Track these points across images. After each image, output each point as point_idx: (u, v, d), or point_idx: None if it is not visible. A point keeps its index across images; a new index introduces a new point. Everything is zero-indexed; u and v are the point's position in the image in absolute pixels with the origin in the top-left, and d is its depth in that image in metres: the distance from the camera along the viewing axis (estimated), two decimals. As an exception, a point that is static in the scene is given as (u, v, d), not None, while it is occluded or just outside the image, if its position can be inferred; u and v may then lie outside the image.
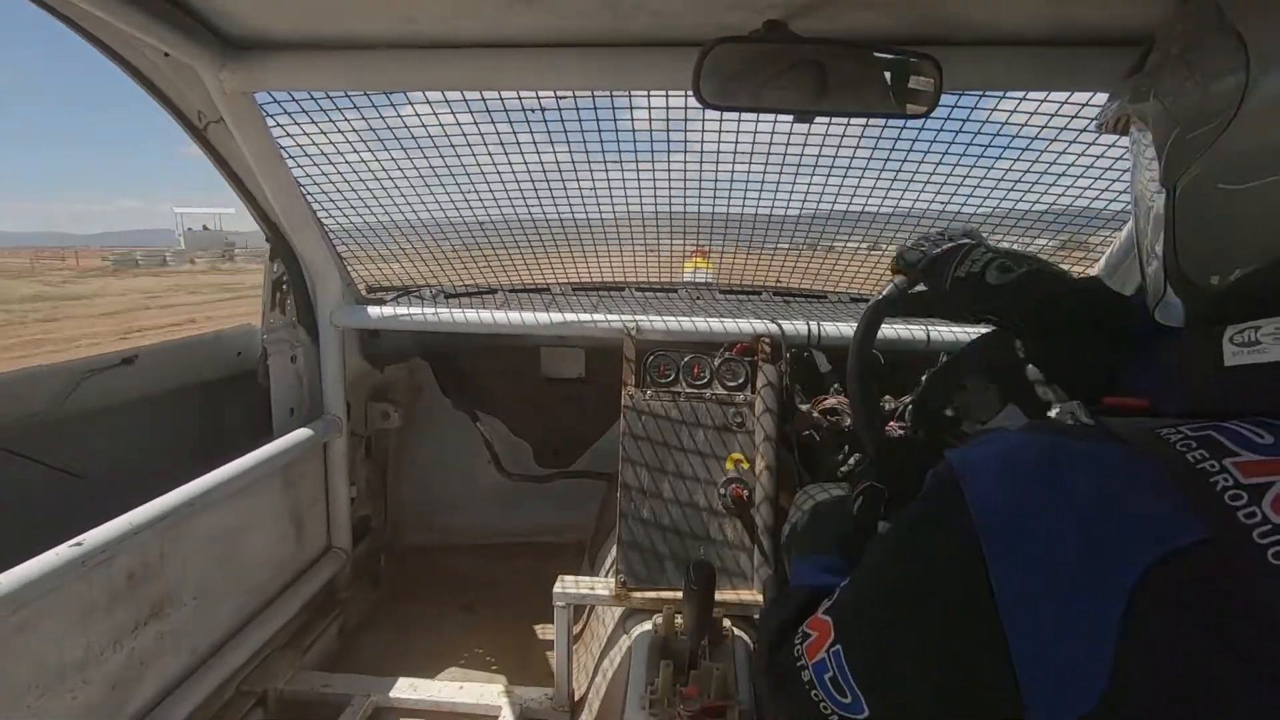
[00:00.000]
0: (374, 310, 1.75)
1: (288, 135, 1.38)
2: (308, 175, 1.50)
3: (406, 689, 1.57)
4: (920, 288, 0.97)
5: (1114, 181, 1.37)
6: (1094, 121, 0.77)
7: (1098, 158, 1.33)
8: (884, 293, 1.01)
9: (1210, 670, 0.30)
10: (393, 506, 2.30)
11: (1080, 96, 1.16)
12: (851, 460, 1.34)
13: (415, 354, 2.14)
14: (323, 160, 1.47)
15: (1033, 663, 0.34)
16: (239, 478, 1.39)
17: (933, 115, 1.03)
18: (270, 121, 1.34)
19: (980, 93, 1.19)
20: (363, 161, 1.49)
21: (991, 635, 0.35)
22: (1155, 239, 0.47)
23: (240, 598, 1.49)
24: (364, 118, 1.36)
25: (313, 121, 1.37)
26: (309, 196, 1.55)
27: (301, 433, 1.65)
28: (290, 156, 1.43)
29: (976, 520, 0.37)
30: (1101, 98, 1.16)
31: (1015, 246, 1.59)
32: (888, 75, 0.99)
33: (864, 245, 1.85)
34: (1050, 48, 1.04)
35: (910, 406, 1.20)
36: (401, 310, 1.75)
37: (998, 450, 0.40)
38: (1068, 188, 1.43)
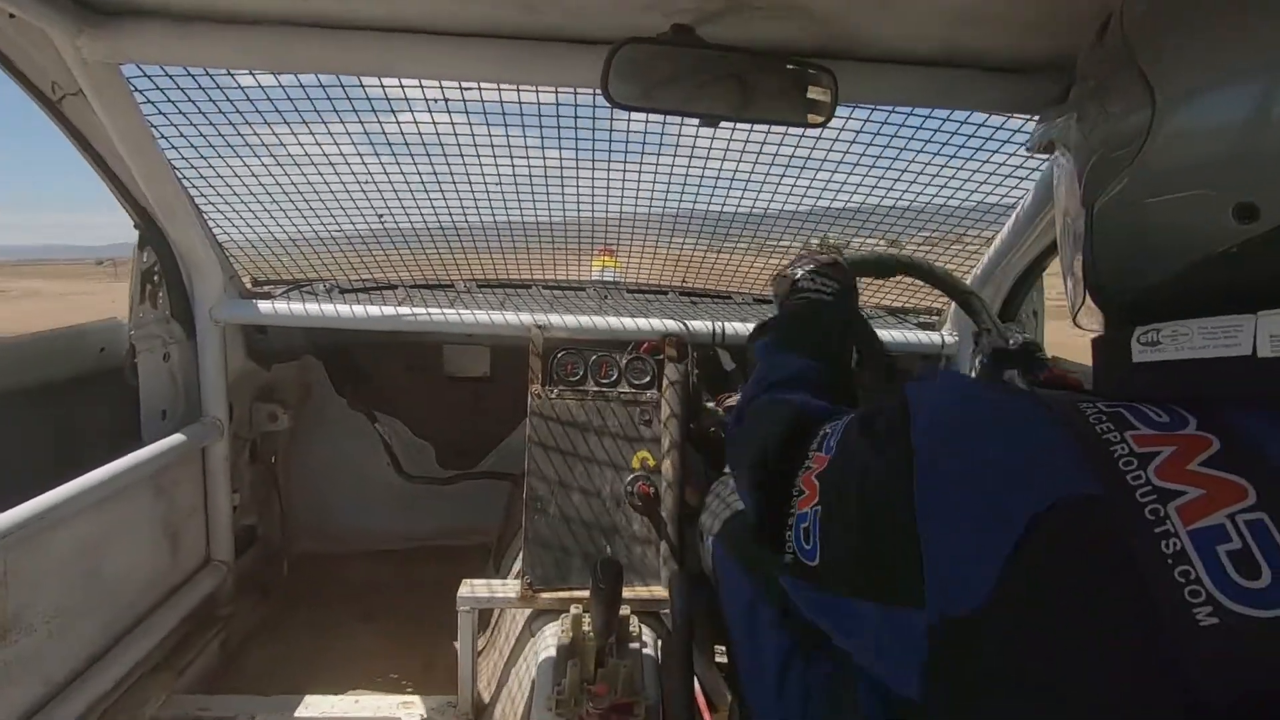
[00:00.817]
0: (261, 305, 1.63)
1: (158, 110, 1.27)
2: (184, 158, 1.38)
3: (296, 706, 1.48)
4: None
5: (997, 187, 1.49)
6: (1026, 143, 0.87)
7: (974, 171, 1.44)
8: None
9: (1082, 597, 0.35)
10: (284, 513, 2.16)
11: (960, 114, 1.26)
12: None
13: (307, 351, 2.02)
14: (202, 142, 1.36)
15: (937, 564, 0.40)
16: (101, 487, 1.26)
17: (829, 125, 1.09)
18: (140, 97, 1.22)
19: (873, 106, 1.26)
20: (248, 145, 1.39)
21: (907, 526, 0.42)
22: (1075, 253, 0.53)
23: (105, 618, 1.35)
24: (249, 98, 1.27)
25: (187, 97, 1.26)
26: (185, 181, 1.43)
27: (175, 438, 1.51)
28: (164, 137, 1.31)
29: (914, 445, 0.44)
30: (978, 116, 1.27)
31: (902, 245, 1.71)
32: (789, 85, 1.04)
33: (765, 248, 1.92)
34: (937, 68, 1.11)
35: None
36: (292, 305, 1.65)
37: (947, 388, 0.48)
38: (951, 195, 1.54)
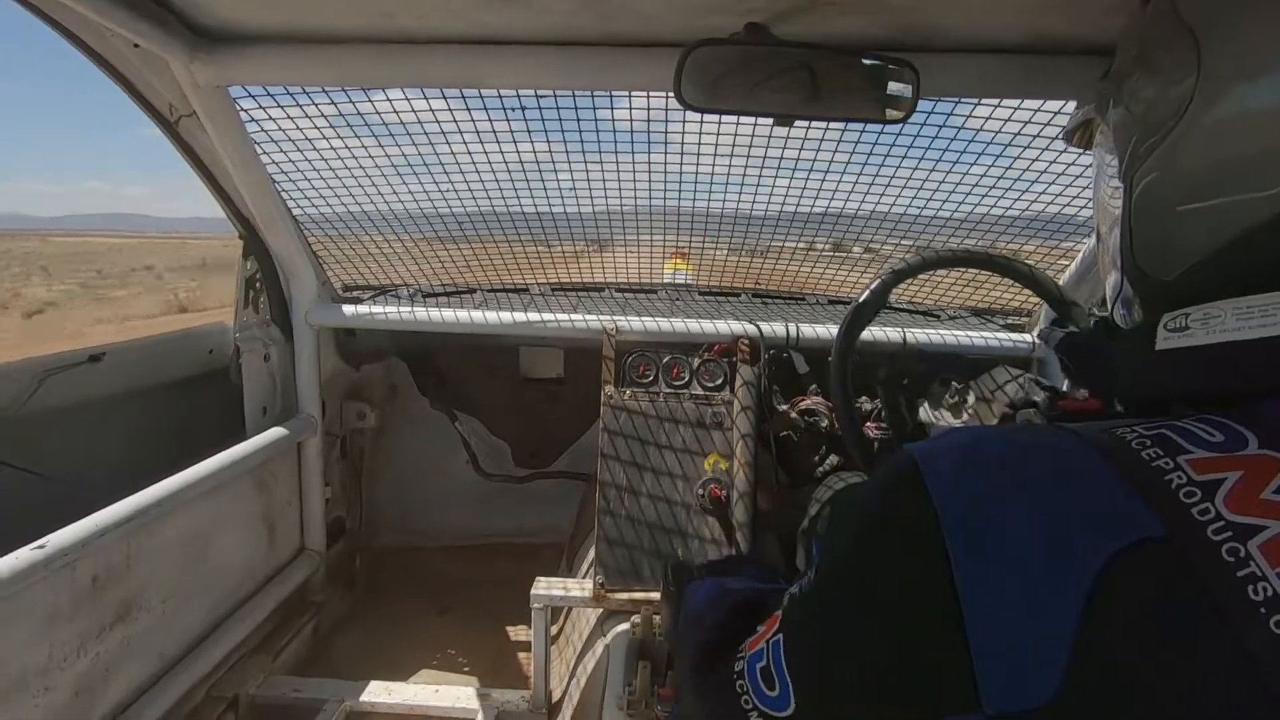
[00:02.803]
0: (350, 309, 1.73)
1: (260, 129, 1.36)
2: (282, 171, 1.47)
3: (380, 692, 1.55)
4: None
5: (1084, 189, 1.40)
6: (1061, 132, 0.79)
7: (1069, 165, 1.35)
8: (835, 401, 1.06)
9: (1167, 667, 0.30)
10: (368, 508, 2.27)
11: (1053, 105, 1.19)
12: (830, 460, 1.35)
13: (392, 353, 2.12)
14: (298, 156, 1.44)
15: (991, 647, 0.33)
16: (210, 478, 1.37)
17: (911, 120, 1.05)
18: (243, 115, 1.31)
19: (957, 99, 1.21)
20: (338, 157, 1.47)
21: (948, 621, 0.35)
22: (1114, 234, 0.48)
23: (210, 601, 1.46)
24: (340, 111, 1.34)
25: (287, 115, 1.34)
26: (283, 192, 1.53)
27: (275, 432, 1.62)
28: (263, 151, 1.40)
29: (938, 508, 0.37)
30: (1071, 105, 1.19)
31: (985, 247, 1.63)
32: (867, 80, 1.01)
33: (841, 248, 1.87)
34: (1024, 55, 1.06)
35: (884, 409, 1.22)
36: (378, 309, 1.73)
37: (958, 441, 0.40)
38: (1040, 194, 1.46)
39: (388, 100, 1.31)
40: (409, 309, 1.73)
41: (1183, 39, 0.41)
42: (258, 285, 1.65)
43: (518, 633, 1.89)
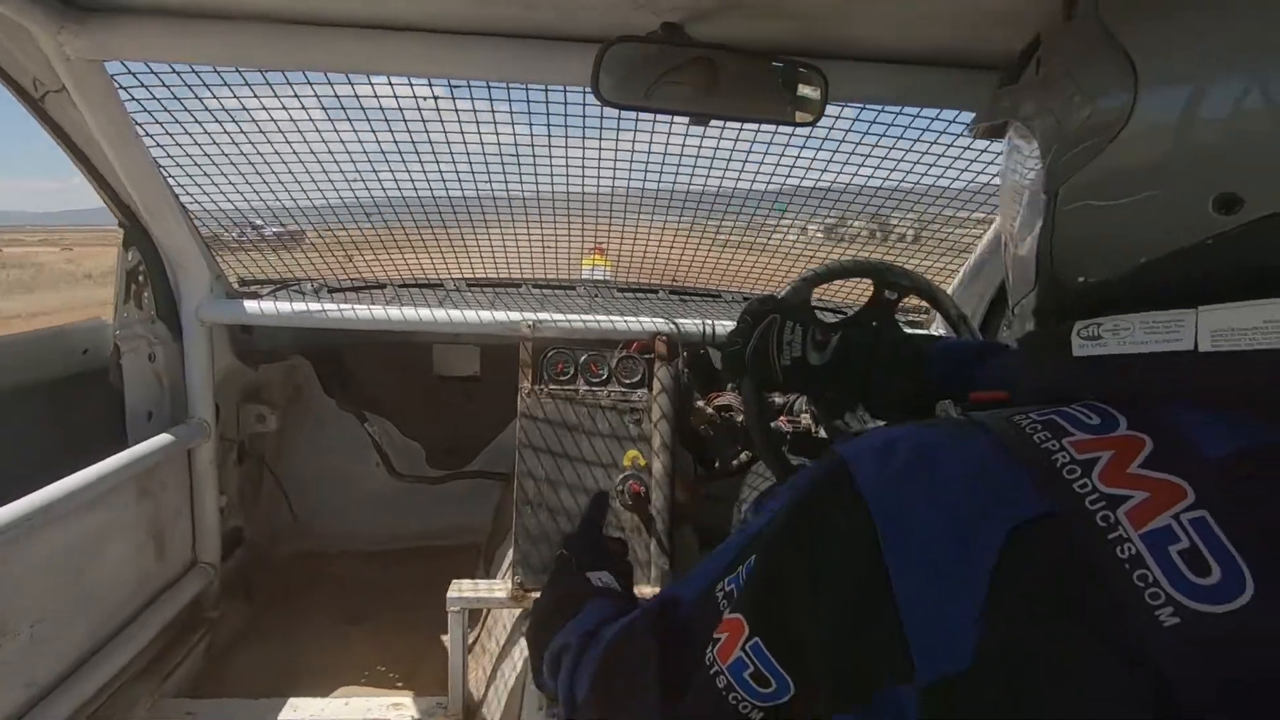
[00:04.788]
0: (246, 304, 1.62)
1: (143, 109, 1.25)
2: (169, 155, 1.36)
3: (284, 709, 1.47)
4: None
5: (980, 189, 1.50)
6: (969, 126, 0.84)
7: (965, 167, 1.45)
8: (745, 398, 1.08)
9: (1057, 625, 0.34)
10: (270, 515, 2.14)
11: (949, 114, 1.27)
12: (744, 455, 1.39)
13: (295, 352, 2.00)
14: (186, 139, 1.34)
15: (917, 626, 0.37)
16: (86, 490, 1.25)
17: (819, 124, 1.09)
18: (124, 94, 1.20)
19: (862, 105, 1.27)
20: (232, 142, 1.37)
21: (884, 601, 0.38)
22: (1029, 241, 0.50)
23: (90, 623, 1.34)
24: (234, 94, 1.26)
25: (173, 95, 1.24)
26: (170, 178, 1.41)
27: (161, 439, 1.50)
28: (146, 133, 1.29)
29: (868, 500, 0.40)
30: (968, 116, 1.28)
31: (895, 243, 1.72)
32: (778, 83, 1.04)
33: (755, 245, 1.92)
34: (925, 67, 1.12)
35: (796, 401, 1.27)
36: (279, 305, 1.63)
37: (876, 442, 0.44)
38: (945, 189, 1.55)
39: (288, 84, 1.24)
40: (313, 305, 1.64)
41: (1115, 57, 0.42)
42: (140, 279, 1.52)
43: (434, 638, 1.83)
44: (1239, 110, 0.38)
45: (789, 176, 1.54)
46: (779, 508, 0.48)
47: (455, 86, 1.24)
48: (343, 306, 1.64)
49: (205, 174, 1.44)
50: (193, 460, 1.66)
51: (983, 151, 1.38)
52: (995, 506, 0.37)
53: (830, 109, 1.08)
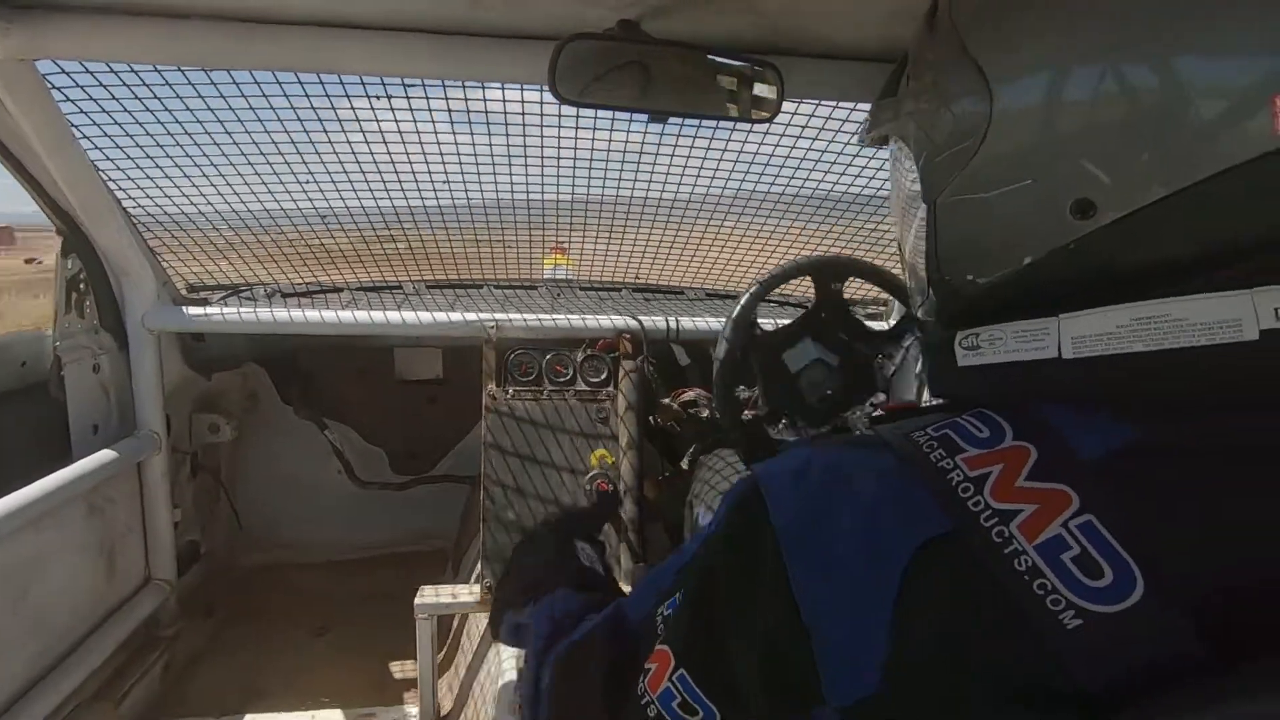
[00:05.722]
0: (196, 311, 1.57)
1: (79, 110, 1.20)
2: (108, 158, 1.31)
3: (248, 727, 1.43)
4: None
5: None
6: (856, 135, 0.86)
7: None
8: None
9: (960, 639, 0.35)
10: (229, 527, 2.08)
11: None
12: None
13: (249, 359, 1.95)
14: (127, 142, 1.29)
15: (826, 651, 0.38)
16: (27, 509, 1.19)
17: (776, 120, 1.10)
18: (58, 95, 1.15)
19: (818, 101, 1.28)
20: (176, 143, 1.33)
21: (794, 625, 0.39)
22: (917, 247, 0.51)
23: (37, 646, 1.28)
24: (177, 94, 1.21)
25: (112, 96, 1.19)
26: (111, 182, 1.36)
27: (109, 453, 1.44)
28: (84, 135, 1.24)
29: (774, 524, 0.42)
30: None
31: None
32: (735, 80, 1.05)
33: (716, 241, 1.93)
34: (880, 64, 1.14)
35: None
36: (231, 311, 1.58)
37: (792, 465, 0.44)
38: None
39: (234, 83, 1.20)
40: (267, 310, 1.60)
41: (968, 67, 0.43)
42: (82, 287, 1.45)
43: (404, 647, 1.80)
44: (1085, 116, 0.39)
45: (746, 176, 1.56)
46: (708, 533, 0.50)
47: (409, 86, 1.22)
48: (298, 311, 1.60)
49: (148, 177, 1.38)
50: (143, 474, 1.60)
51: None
52: (904, 526, 0.38)
53: (787, 105, 1.10)
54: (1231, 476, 0.35)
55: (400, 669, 1.73)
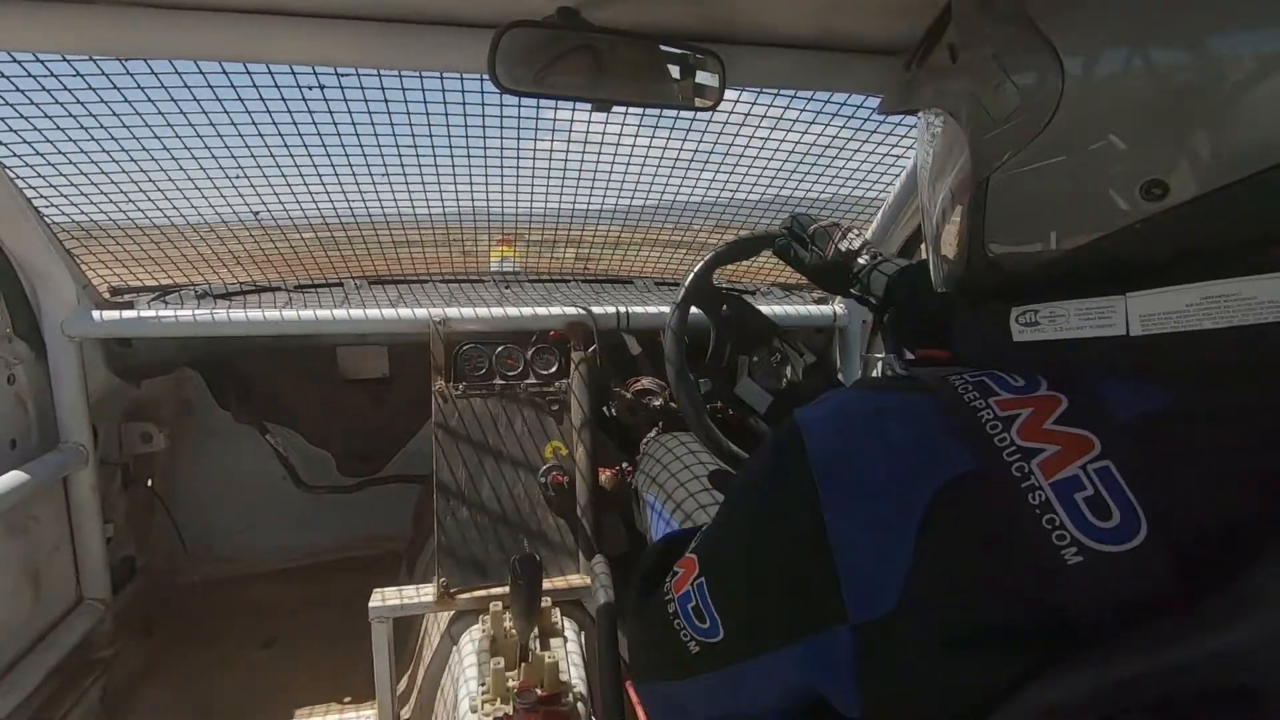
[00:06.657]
0: (120, 315, 1.49)
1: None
2: (16, 155, 1.22)
3: (197, 747, 1.38)
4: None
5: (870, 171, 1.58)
6: (879, 106, 0.87)
7: (855, 152, 1.52)
8: (771, 231, 1.17)
9: (975, 562, 0.39)
10: (166, 541, 1.99)
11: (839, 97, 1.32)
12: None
13: (181, 363, 1.86)
14: (36, 137, 1.21)
15: (852, 570, 0.42)
16: (-59, 531, 1.12)
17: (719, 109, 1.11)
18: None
19: (760, 89, 1.30)
20: (91, 138, 1.25)
21: (820, 553, 0.43)
22: (956, 225, 0.51)
23: (-45, 678, 1.20)
24: (90, 86, 1.14)
25: (17, 89, 1.12)
26: (21, 180, 1.27)
27: (28, 469, 1.35)
28: (-13, 131, 1.16)
29: (813, 467, 0.45)
30: (856, 99, 1.33)
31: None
32: (677, 68, 1.05)
33: (661, 235, 1.94)
34: (816, 51, 1.16)
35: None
36: (159, 313, 1.51)
37: (832, 407, 0.48)
38: (835, 175, 1.61)
39: (153, 75, 1.13)
40: (199, 312, 1.53)
41: (1039, 46, 0.42)
42: (-8, 294, 1.36)
43: (361, 654, 1.76)
44: (1160, 97, 0.39)
45: (691, 163, 1.56)
46: (749, 464, 0.55)
47: (343, 75, 1.18)
48: (233, 312, 1.53)
49: (62, 175, 1.30)
50: (69, 489, 1.52)
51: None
52: (930, 465, 0.41)
53: (729, 93, 1.11)
54: (1255, 441, 0.37)
55: (357, 676, 1.69)
